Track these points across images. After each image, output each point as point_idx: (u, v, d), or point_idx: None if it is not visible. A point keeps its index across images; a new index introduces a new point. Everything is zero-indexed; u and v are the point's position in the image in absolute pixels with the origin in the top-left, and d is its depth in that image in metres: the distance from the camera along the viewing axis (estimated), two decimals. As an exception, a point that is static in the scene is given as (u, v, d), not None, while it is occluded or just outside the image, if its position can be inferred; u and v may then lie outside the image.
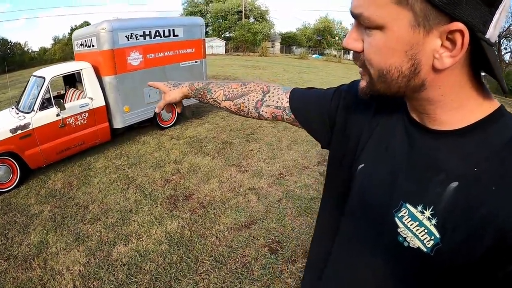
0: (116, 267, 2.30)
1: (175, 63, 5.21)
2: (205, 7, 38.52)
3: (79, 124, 4.15)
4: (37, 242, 2.63)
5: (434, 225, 0.41)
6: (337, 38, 38.67)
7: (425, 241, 0.42)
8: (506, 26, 19.56)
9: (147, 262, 2.34)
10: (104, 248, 2.51)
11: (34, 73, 4.28)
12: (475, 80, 0.42)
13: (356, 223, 0.54)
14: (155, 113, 5.15)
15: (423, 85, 0.42)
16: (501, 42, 19.78)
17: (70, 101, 4.31)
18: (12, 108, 4.07)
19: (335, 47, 37.27)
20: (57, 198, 3.36)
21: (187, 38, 5.27)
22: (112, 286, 2.13)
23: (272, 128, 5.45)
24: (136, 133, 5.26)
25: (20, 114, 3.75)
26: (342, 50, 36.07)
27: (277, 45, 37.95)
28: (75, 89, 4.66)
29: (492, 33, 0.37)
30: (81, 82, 4.31)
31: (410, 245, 0.44)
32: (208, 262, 2.32)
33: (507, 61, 20.30)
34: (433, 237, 0.41)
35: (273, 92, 0.74)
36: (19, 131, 3.56)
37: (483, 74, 0.42)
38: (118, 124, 4.64)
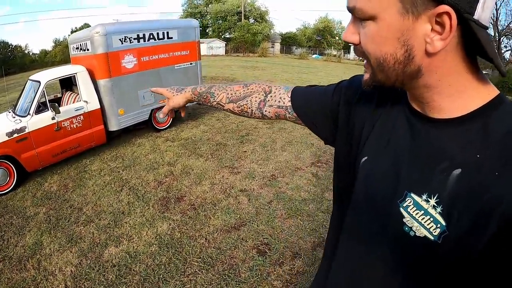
0: (106, 268, 2.35)
1: (170, 65, 5.25)
2: (204, 8, 38.63)
3: (75, 127, 4.20)
4: (32, 243, 2.69)
5: (440, 213, 0.42)
6: (337, 38, 38.60)
7: (431, 230, 0.42)
8: (506, 24, 19.52)
9: (137, 263, 2.39)
10: (96, 250, 2.57)
11: (30, 77, 4.34)
12: (471, 65, 0.43)
13: (361, 217, 0.55)
14: (150, 115, 5.21)
15: (419, 70, 0.43)
16: (501, 40, 19.69)
17: (67, 104, 4.37)
18: (9, 112, 4.14)
19: (335, 46, 37.21)
20: (52, 200, 3.42)
21: (181, 40, 5.31)
22: (102, 286, 2.18)
23: (267, 129, 5.48)
24: (132, 135, 5.32)
25: (17, 117, 3.81)
26: (342, 50, 36.03)
27: (277, 46, 37.97)
28: (71, 92, 4.72)
29: (480, 13, 0.38)
30: (77, 85, 4.37)
31: (417, 234, 0.44)
32: (196, 263, 2.36)
33: (507, 59, 20.21)
34: (439, 225, 0.42)
35: (274, 92, 0.76)
36: (15, 135, 3.62)
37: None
38: (113, 126, 4.69)
